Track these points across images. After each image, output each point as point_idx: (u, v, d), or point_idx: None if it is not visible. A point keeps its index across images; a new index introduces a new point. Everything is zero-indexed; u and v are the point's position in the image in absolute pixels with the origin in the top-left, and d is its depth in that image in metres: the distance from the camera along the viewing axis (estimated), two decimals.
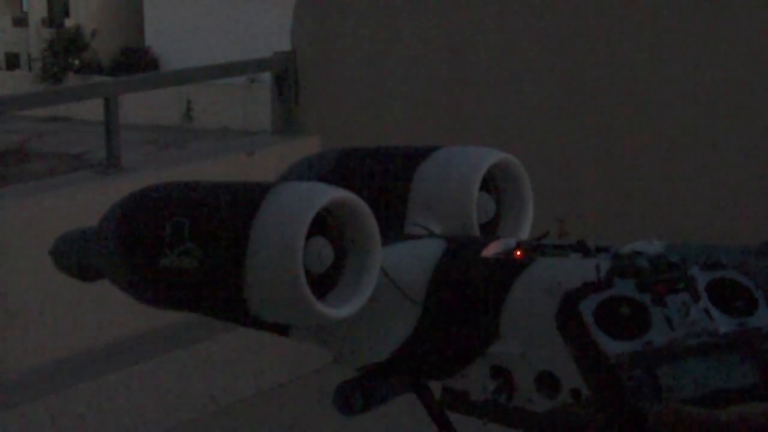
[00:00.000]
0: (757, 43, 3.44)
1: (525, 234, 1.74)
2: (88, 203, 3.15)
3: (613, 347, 1.11)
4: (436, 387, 1.57)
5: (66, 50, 33.47)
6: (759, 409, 1.09)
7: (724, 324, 1.13)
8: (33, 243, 2.88)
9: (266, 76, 4.60)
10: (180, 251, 1.47)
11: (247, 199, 1.48)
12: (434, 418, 1.63)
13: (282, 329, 1.58)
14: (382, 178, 1.72)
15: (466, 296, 1.47)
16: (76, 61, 33.43)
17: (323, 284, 1.48)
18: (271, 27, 24.03)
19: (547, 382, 1.36)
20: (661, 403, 1.09)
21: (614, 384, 1.09)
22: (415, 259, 1.54)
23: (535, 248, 1.49)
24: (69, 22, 34.42)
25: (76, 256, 1.67)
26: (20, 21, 35.31)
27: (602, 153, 3.69)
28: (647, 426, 1.10)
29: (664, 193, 3.59)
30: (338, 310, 1.47)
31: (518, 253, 1.48)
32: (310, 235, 1.43)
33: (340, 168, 1.73)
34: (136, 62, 32.10)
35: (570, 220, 3.46)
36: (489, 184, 1.73)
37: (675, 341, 1.10)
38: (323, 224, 1.47)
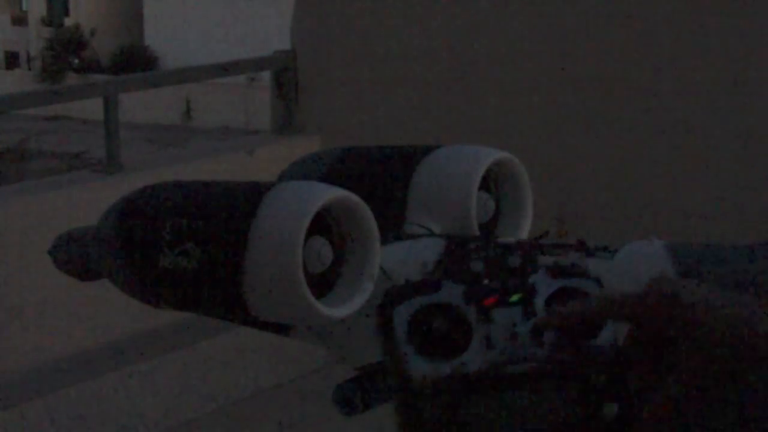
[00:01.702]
0: (757, 43, 3.44)
1: (524, 234, 1.73)
2: (88, 203, 3.15)
3: (418, 368, 0.90)
4: None
5: (65, 49, 33.47)
6: None
7: (554, 348, 0.91)
8: (33, 243, 2.88)
9: (266, 76, 4.60)
10: (179, 251, 1.47)
11: (246, 199, 1.47)
12: None
13: (282, 329, 1.57)
14: (382, 177, 1.72)
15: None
16: (76, 60, 33.43)
17: (323, 284, 1.48)
18: (271, 27, 24.03)
19: None
20: None
21: (413, 413, 0.89)
22: (414, 258, 1.54)
23: (535, 248, 1.49)
24: (68, 21, 34.43)
25: (76, 256, 1.67)
26: (19, 20, 35.32)
27: (602, 153, 3.69)
28: None
29: (664, 192, 3.59)
30: (338, 310, 1.46)
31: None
32: (309, 235, 1.43)
33: (340, 168, 1.73)
34: (135, 61, 32.11)
35: (570, 220, 3.47)
36: (488, 183, 1.73)
37: (491, 367, 0.89)
38: (323, 224, 1.47)
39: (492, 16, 3.85)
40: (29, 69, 34.02)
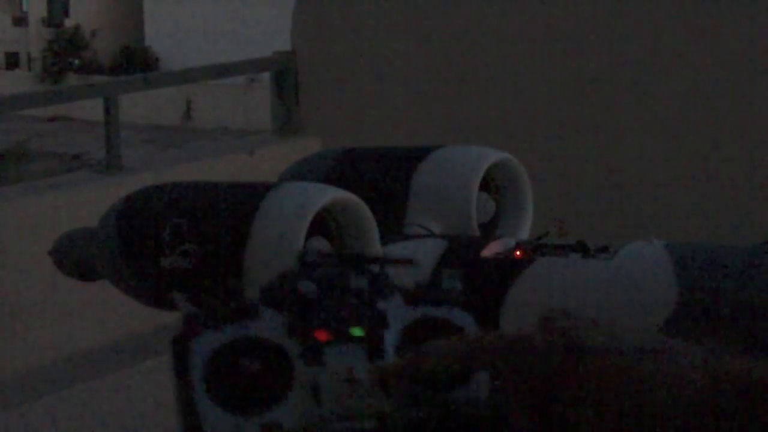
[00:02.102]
0: (758, 43, 3.45)
1: (525, 234, 1.74)
2: (88, 203, 3.15)
3: (216, 424, 0.68)
4: None
5: (66, 50, 33.47)
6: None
7: (405, 401, 0.69)
8: (33, 243, 2.88)
9: (266, 76, 4.60)
10: (179, 252, 1.47)
11: (246, 199, 1.48)
12: None
13: None
14: (382, 178, 1.72)
15: (465, 296, 1.47)
16: (76, 61, 33.43)
17: None
18: (271, 27, 24.03)
19: None
20: None
21: None
22: (413, 258, 1.54)
23: (535, 248, 1.49)
24: (69, 22, 34.42)
25: (77, 257, 1.67)
26: (20, 20, 35.32)
27: (602, 153, 3.69)
28: None
29: (664, 193, 3.59)
30: None
31: (518, 253, 1.48)
32: (309, 236, 1.44)
33: (340, 168, 1.73)
34: (136, 62, 32.11)
35: (570, 220, 3.46)
36: (489, 183, 1.73)
37: (315, 425, 0.67)
38: (323, 224, 1.47)
39: (492, 16, 3.85)
40: (30, 70, 34.03)
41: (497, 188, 1.75)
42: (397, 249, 1.59)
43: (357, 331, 0.69)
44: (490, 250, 1.51)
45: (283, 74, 4.18)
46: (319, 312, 0.69)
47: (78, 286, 1.80)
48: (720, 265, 1.38)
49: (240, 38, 28.44)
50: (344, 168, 1.74)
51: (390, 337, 0.69)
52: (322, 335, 0.68)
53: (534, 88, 3.78)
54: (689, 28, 3.52)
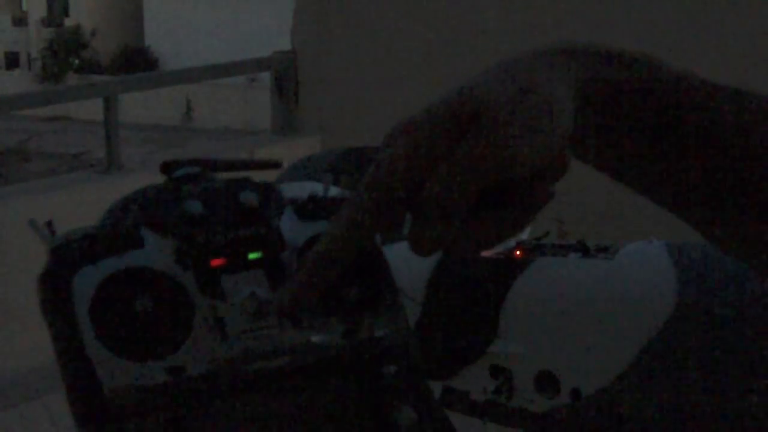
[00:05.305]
0: (758, 42, 3.45)
1: (524, 234, 1.74)
2: (88, 203, 3.15)
3: (115, 373, 0.57)
4: (435, 387, 1.57)
5: (65, 50, 33.49)
6: None
7: (325, 328, 0.61)
8: (33, 243, 2.88)
9: (266, 76, 4.60)
10: None
11: None
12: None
13: None
14: None
15: (465, 296, 1.47)
16: (76, 61, 33.45)
17: None
18: (271, 27, 24.04)
19: (547, 382, 1.37)
20: None
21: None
22: (414, 258, 1.54)
23: (535, 248, 1.49)
24: (68, 22, 34.45)
25: None
26: (20, 20, 35.34)
27: None
28: None
29: None
30: None
31: (518, 252, 1.49)
32: None
33: (341, 167, 1.73)
34: (135, 62, 32.13)
35: (570, 220, 3.47)
36: None
37: (228, 367, 0.58)
38: None
39: (492, 16, 3.85)
40: (29, 69, 34.05)
41: None
42: (398, 248, 1.59)
43: (255, 255, 0.59)
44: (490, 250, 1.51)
45: (283, 74, 4.18)
46: (208, 234, 0.59)
47: None
48: (720, 265, 1.38)
49: (240, 38, 28.45)
50: (345, 167, 1.74)
51: (290, 257, 0.61)
52: (216, 261, 0.58)
53: None
54: (689, 28, 3.52)
